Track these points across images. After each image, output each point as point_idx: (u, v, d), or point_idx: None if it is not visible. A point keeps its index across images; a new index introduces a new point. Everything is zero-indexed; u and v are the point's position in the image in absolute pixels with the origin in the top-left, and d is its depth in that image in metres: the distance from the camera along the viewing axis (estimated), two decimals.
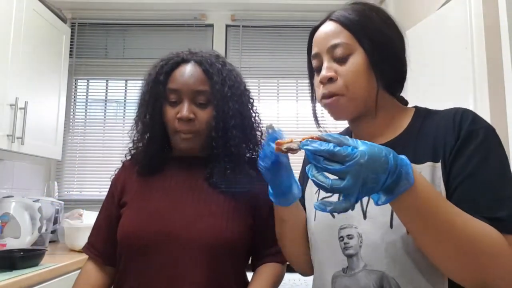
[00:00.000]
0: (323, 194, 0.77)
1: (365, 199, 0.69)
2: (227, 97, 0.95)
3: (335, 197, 0.73)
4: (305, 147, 0.53)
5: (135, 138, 1.03)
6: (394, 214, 0.64)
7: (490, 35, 1.43)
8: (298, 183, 0.75)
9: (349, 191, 0.50)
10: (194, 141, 0.95)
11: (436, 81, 1.69)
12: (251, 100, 1.04)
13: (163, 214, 0.91)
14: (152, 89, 0.97)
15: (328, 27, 0.73)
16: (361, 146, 0.51)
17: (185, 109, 0.93)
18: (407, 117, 0.74)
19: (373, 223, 0.66)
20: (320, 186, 0.51)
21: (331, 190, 0.50)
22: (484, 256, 0.55)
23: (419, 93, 1.60)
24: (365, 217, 0.68)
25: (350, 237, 0.69)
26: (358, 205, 0.69)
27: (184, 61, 0.97)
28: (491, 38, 1.42)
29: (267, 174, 0.70)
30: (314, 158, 0.51)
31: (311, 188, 0.83)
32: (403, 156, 0.54)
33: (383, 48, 0.70)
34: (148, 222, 0.91)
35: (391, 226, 0.64)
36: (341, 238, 0.70)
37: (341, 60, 0.70)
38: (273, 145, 0.64)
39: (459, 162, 0.63)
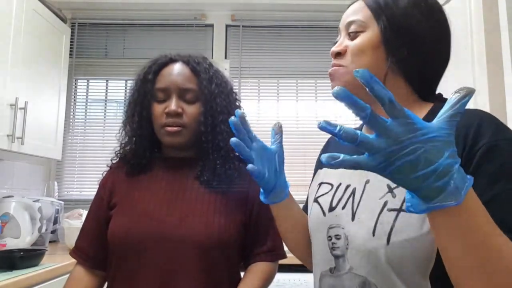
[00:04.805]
0: (322, 190, 0.75)
1: (357, 199, 0.66)
2: (214, 93, 0.97)
3: (330, 194, 0.72)
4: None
5: (124, 139, 1.04)
6: (379, 221, 0.60)
7: (490, 35, 1.43)
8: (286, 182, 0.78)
9: (377, 150, 0.41)
10: (181, 135, 0.95)
11: None
12: (238, 102, 1.06)
13: (154, 214, 0.91)
14: (141, 89, 0.99)
15: (354, 5, 0.73)
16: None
17: (173, 104, 0.94)
18: (420, 113, 0.69)
19: (359, 227, 0.63)
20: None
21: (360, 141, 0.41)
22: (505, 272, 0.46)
23: None
24: (353, 218, 0.65)
25: (337, 237, 0.67)
26: (349, 205, 0.67)
27: (172, 61, 0.99)
28: (491, 38, 1.42)
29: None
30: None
31: (314, 182, 0.82)
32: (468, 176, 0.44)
33: (402, 30, 0.67)
34: (139, 222, 0.90)
35: (373, 234, 0.60)
36: (329, 238, 0.69)
37: (354, 37, 0.70)
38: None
39: (479, 181, 0.52)
